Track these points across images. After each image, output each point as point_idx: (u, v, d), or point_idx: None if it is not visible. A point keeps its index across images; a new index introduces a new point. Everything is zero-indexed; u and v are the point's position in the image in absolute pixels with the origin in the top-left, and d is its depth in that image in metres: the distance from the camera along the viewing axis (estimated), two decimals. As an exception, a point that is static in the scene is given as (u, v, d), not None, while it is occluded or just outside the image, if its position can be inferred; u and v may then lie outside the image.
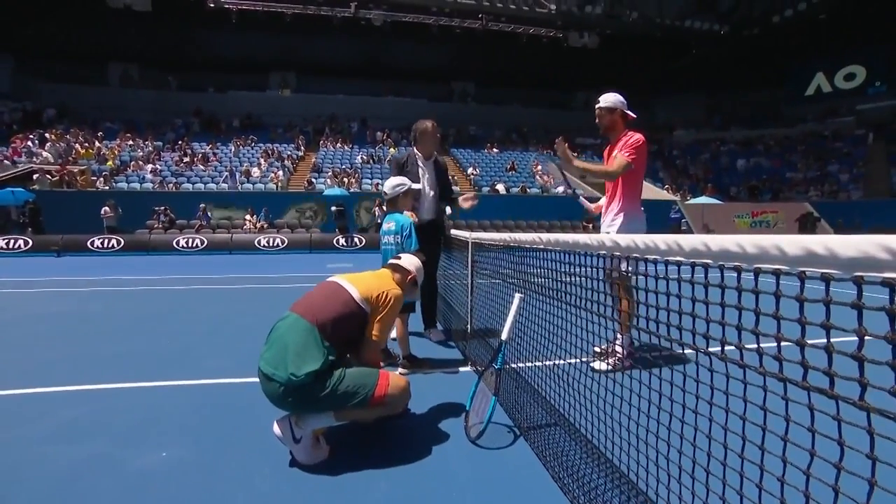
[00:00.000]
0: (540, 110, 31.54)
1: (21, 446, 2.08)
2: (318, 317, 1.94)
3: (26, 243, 13.84)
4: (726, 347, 1.08)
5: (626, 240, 1.43)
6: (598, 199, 3.51)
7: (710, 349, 1.13)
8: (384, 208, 3.27)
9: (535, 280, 2.34)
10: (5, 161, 17.87)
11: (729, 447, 1.07)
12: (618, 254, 1.45)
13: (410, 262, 2.40)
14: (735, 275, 1.04)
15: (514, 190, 20.44)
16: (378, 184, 18.29)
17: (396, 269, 2.36)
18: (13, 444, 2.09)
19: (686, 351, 1.22)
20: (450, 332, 4.05)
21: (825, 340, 0.82)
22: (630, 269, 1.58)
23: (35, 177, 16.53)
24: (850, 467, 0.78)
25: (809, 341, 0.87)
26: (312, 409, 1.89)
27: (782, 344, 0.92)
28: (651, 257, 1.29)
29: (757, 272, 0.97)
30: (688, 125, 31.14)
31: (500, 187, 20.30)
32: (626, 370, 1.79)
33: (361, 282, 2.14)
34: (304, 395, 1.83)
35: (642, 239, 1.34)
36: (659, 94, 32.67)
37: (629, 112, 3.23)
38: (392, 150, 22.82)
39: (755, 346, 0.98)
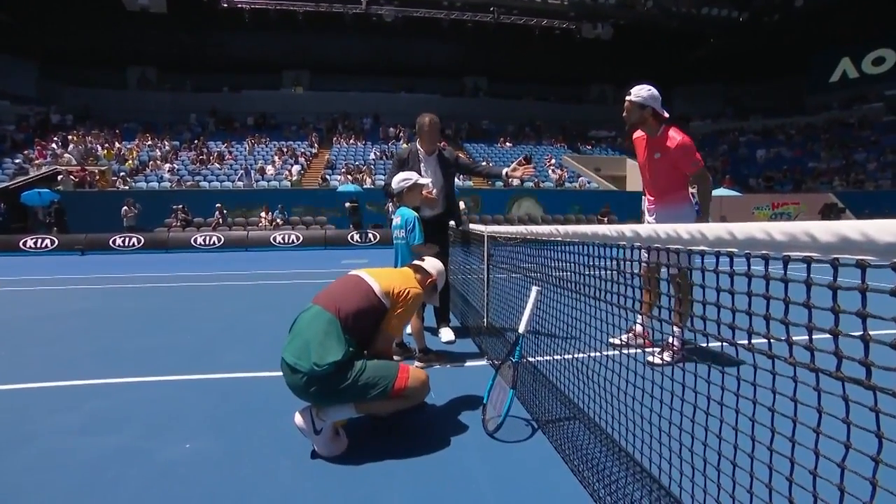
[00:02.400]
0: (553, 104, 31.22)
1: (51, 437, 2.14)
2: (339, 308, 1.97)
3: (52, 242, 14.26)
4: (754, 338, 1.05)
5: (647, 230, 1.40)
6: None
7: (737, 340, 1.10)
8: (395, 203, 3.27)
9: (553, 273, 2.32)
10: (35, 162, 18.42)
11: (757, 439, 1.05)
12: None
13: (433, 265, 2.42)
14: (762, 263, 1.01)
15: (528, 184, 20.28)
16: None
17: (419, 270, 2.38)
18: (43, 435, 2.16)
19: (711, 342, 1.20)
20: (465, 329, 4.05)
21: (861, 330, 0.79)
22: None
23: (59, 178, 17.00)
24: (890, 460, 0.75)
25: (844, 331, 0.84)
26: (334, 399, 1.91)
27: (814, 334, 0.89)
28: (674, 247, 1.27)
29: (786, 260, 0.94)
30: (706, 116, 30.45)
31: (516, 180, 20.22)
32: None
33: (383, 277, 2.16)
34: (327, 386, 1.86)
35: (664, 228, 1.31)
36: (676, 85, 31.94)
37: (661, 110, 3.08)
38: (405, 145, 22.85)
39: (784, 336, 0.95)
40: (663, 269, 2.14)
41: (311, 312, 2.01)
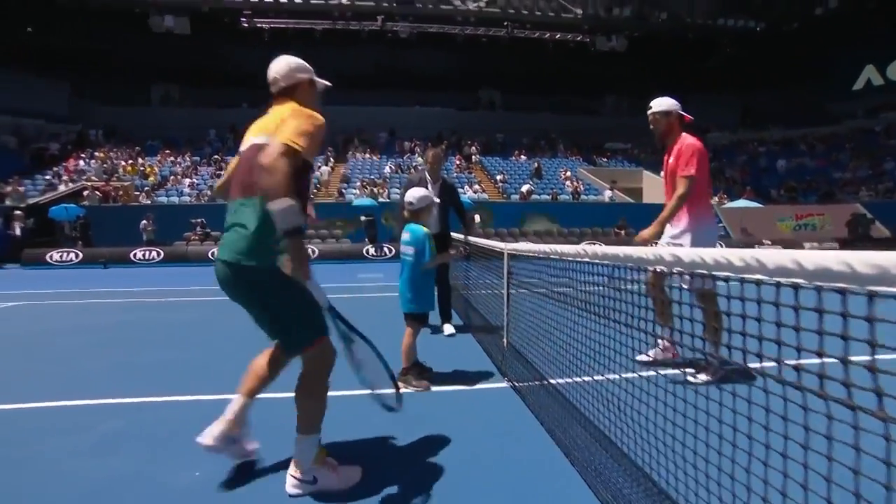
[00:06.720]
0: (568, 116, 31.14)
1: (57, 459, 2.12)
2: (241, 185, 1.86)
3: (77, 256, 14.68)
4: (782, 365, 1.02)
5: (688, 254, 1.34)
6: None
7: (765, 369, 1.06)
8: (405, 216, 3.31)
9: (578, 294, 2.28)
10: (64, 178, 19.10)
11: (790, 476, 1.00)
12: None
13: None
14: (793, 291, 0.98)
15: (545, 196, 20.19)
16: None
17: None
18: (48, 457, 2.14)
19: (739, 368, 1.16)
20: (482, 349, 4.01)
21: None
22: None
23: (85, 193, 17.57)
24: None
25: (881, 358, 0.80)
26: (264, 310, 1.91)
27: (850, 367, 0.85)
28: (699, 272, 1.23)
29: (819, 289, 0.90)
30: (722, 127, 30.03)
31: (525, 188, 20.23)
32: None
33: (261, 125, 1.95)
34: (256, 285, 1.85)
35: (700, 253, 1.26)
36: (691, 96, 31.52)
37: (684, 114, 3.10)
38: (420, 158, 23.02)
39: (817, 361, 0.92)
40: (677, 288, 2.08)
41: (230, 210, 1.89)
